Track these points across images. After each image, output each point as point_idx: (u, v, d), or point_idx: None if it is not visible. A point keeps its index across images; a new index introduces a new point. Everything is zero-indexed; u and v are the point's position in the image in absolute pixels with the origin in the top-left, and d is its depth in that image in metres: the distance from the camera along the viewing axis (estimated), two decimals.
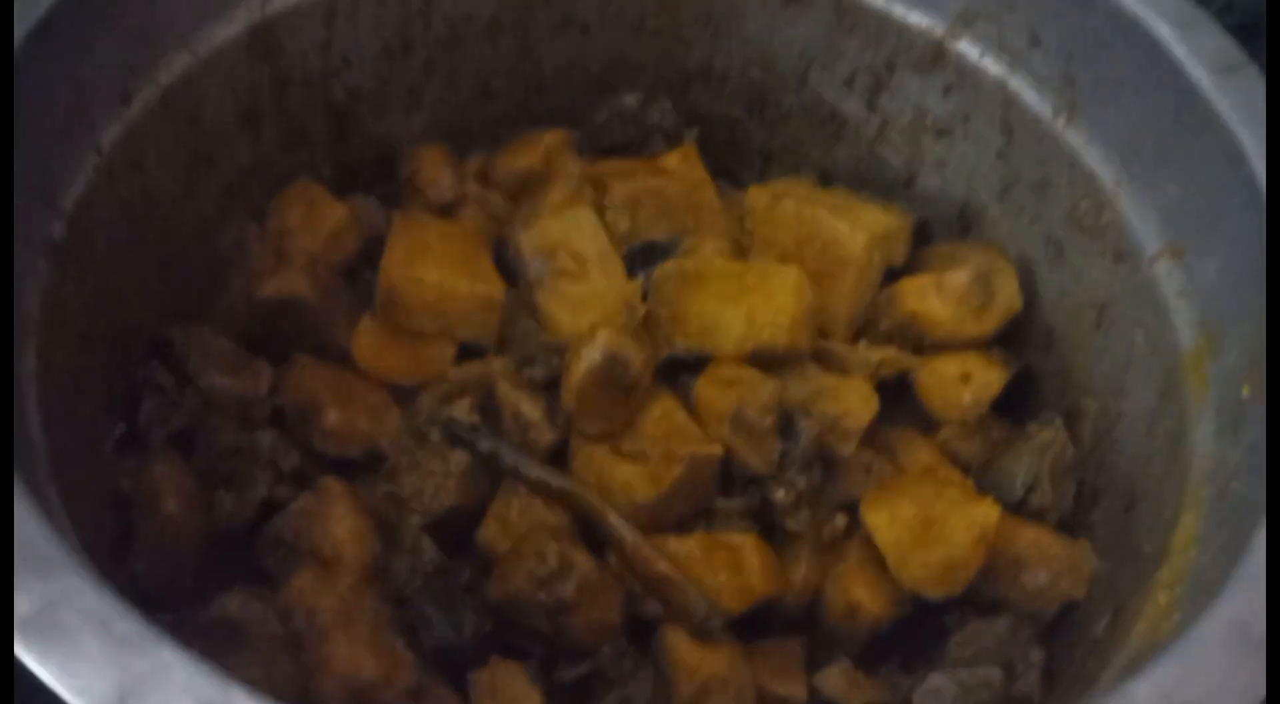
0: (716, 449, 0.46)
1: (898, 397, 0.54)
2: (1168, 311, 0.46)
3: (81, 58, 0.42)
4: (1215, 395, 0.42)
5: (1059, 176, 0.52)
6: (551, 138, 0.58)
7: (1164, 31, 0.46)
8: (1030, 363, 0.55)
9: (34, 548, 0.29)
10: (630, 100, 0.60)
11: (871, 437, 0.51)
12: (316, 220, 0.53)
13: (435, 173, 0.58)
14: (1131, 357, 0.48)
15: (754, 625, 0.47)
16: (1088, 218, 0.51)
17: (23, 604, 0.27)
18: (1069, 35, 0.50)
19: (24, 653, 0.27)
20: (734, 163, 0.63)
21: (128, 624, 0.28)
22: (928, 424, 0.54)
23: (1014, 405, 0.54)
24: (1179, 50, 0.45)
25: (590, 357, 0.45)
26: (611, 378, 0.46)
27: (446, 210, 0.57)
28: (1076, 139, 0.51)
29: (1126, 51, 0.47)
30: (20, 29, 0.38)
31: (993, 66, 0.54)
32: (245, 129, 0.53)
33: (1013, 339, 0.55)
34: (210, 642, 0.42)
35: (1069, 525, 0.49)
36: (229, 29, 0.49)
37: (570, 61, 0.61)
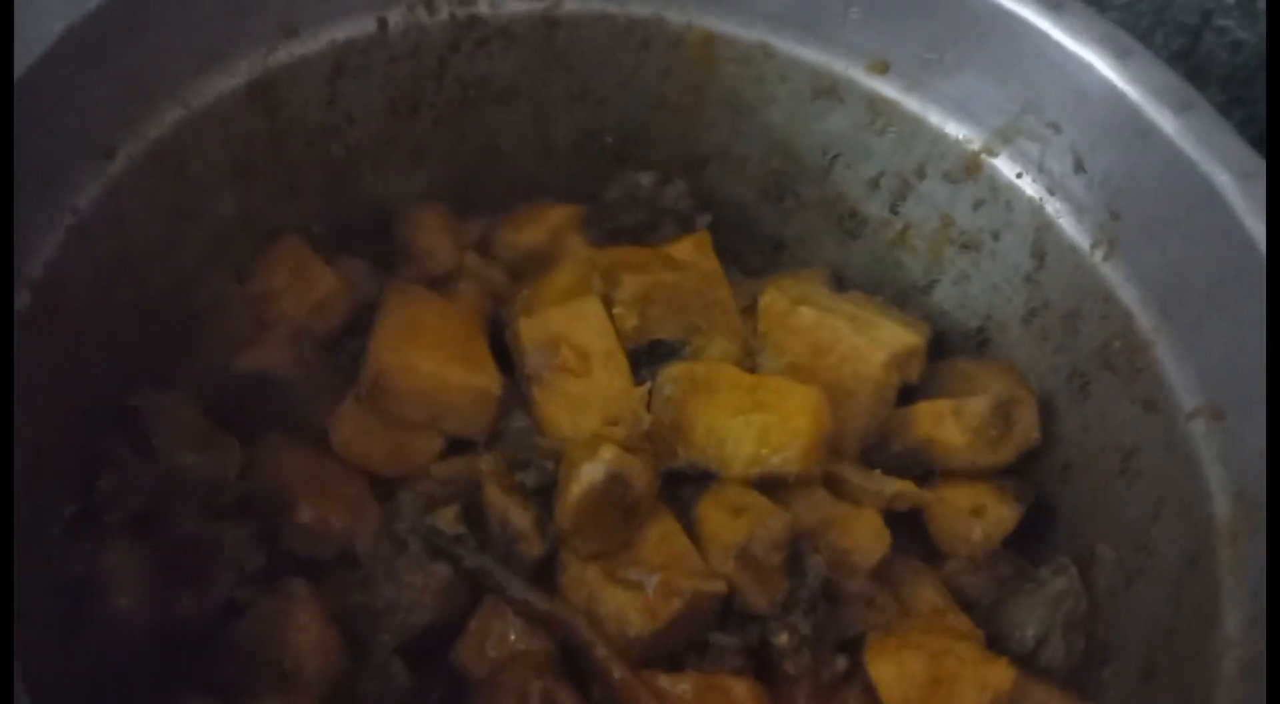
0: (720, 586, 0.43)
1: (903, 523, 0.51)
2: (1202, 475, 0.44)
3: (62, 112, 0.38)
4: (1252, 579, 0.40)
5: (1091, 311, 0.50)
6: (559, 214, 0.55)
7: (1222, 178, 0.44)
8: (1045, 496, 0.52)
9: None
10: (644, 180, 0.57)
11: (879, 571, 0.48)
12: (304, 287, 0.50)
13: (433, 240, 0.54)
14: (1159, 513, 0.46)
15: None
16: (1119, 359, 0.49)
17: None
18: (1117, 167, 0.48)
19: None
20: (744, 248, 0.60)
21: None
22: (933, 554, 0.51)
23: (1026, 539, 0.52)
24: (1238, 201, 0.43)
25: (591, 475, 0.42)
26: (611, 498, 0.42)
27: (441, 282, 0.53)
28: (1114, 275, 0.49)
29: (1179, 193, 0.45)
30: None
31: (1030, 187, 0.51)
32: (235, 182, 0.49)
33: (1028, 470, 0.52)
34: None
35: (1076, 680, 0.47)
36: (227, 81, 0.46)
37: (584, 133, 0.58)
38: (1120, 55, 0.47)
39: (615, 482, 0.42)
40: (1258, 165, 0.44)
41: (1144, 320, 0.47)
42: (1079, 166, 0.49)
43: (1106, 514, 0.49)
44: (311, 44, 0.48)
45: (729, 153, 0.59)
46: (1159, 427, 0.46)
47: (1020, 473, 0.52)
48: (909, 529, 0.51)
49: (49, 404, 0.40)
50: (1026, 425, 0.51)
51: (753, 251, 0.61)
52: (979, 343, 0.57)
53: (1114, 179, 0.48)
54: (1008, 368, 0.54)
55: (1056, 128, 0.49)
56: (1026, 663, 0.47)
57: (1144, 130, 0.46)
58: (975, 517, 0.50)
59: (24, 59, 0.35)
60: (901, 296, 0.58)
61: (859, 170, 0.57)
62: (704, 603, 0.43)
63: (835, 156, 0.57)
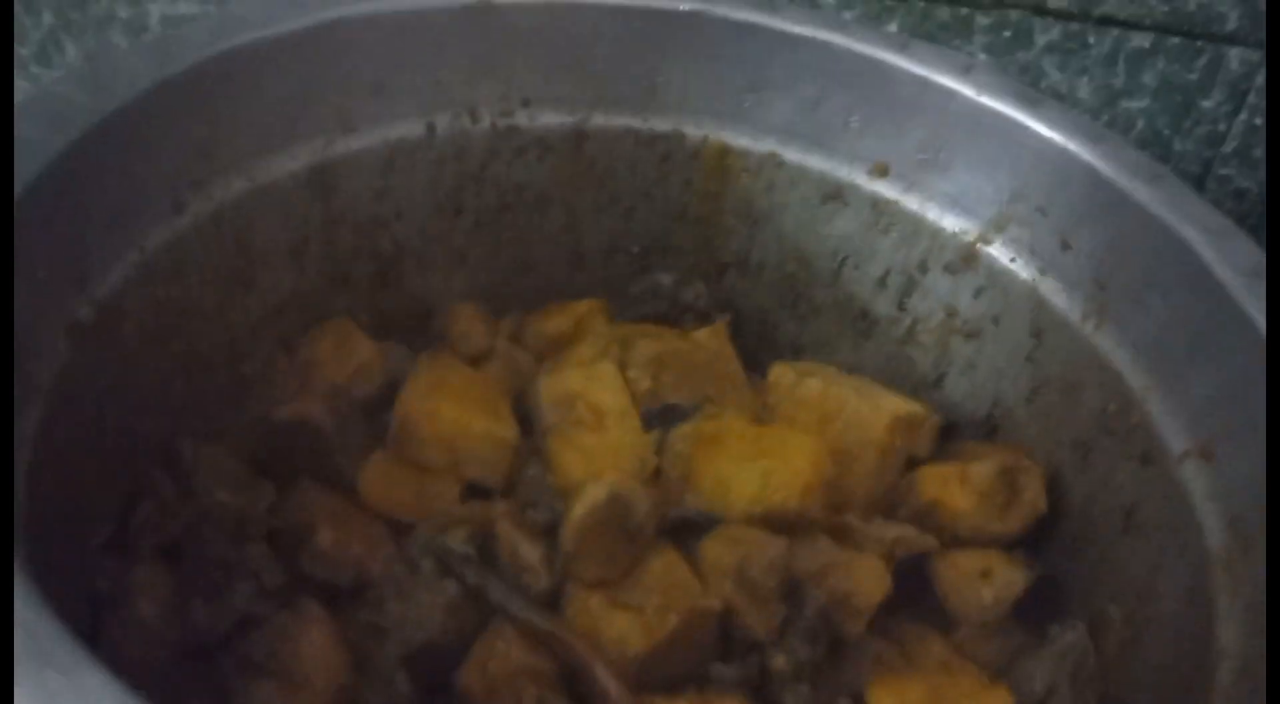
0: (715, 604, 0.44)
1: (915, 592, 0.52)
2: (1196, 512, 0.44)
3: (140, 158, 0.44)
4: (1244, 595, 0.40)
5: (1088, 379, 0.52)
6: (585, 305, 0.60)
7: (1192, 236, 0.47)
8: (1056, 570, 0.53)
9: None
10: (665, 279, 0.61)
11: (885, 629, 0.49)
12: (345, 354, 0.54)
13: (468, 327, 0.59)
14: (1160, 561, 0.46)
15: None
16: (1116, 420, 0.50)
17: None
18: (1100, 240, 0.51)
19: None
20: (764, 355, 0.64)
21: None
22: (945, 625, 0.51)
23: (1037, 614, 0.51)
24: (1208, 254, 0.46)
25: (594, 495, 0.44)
26: (614, 520, 0.44)
27: (473, 363, 0.57)
28: (1106, 342, 0.51)
29: (1156, 256, 0.48)
30: (86, 119, 0.40)
31: (1023, 270, 0.55)
32: (291, 261, 0.54)
33: (1038, 545, 0.53)
34: None
35: None
36: (289, 163, 0.52)
37: (612, 241, 0.63)
38: (1094, 140, 0.51)
39: (617, 502, 0.44)
40: (1223, 223, 0.47)
41: (1135, 379, 0.49)
42: (1065, 245, 0.53)
43: (1114, 575, 0.49)
44: (367, 140, 0.54)
45: (746, 260, 0.64)
46: (1156, 477, 0.47)
47: (1031, 549, 0.53)
48: (920, 598, 0.52)
49: (95, 424, 0.44)
50: (1033, 494, 0.52)
51: (772, 357, 0.64)
52: (989, 430, 0.58)
53: (1098, 252, 0.51)
54: (1014, 447, 0.55)
55: (1043, 211, 0.53)
56: None
57: (1120, 203, 0.50)
58: (984, 578, 0.50)
59: (111, 103, 0.41)
60: (914, 392, 0.60)
61: (867, 270, 0.61)
62: (701, 621, 0.43)
63: (844, 259, 0.61)
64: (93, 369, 0.43)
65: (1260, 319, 0.43)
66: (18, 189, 0.37)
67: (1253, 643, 0.38)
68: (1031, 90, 0.53)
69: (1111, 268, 0.51)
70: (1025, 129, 0.52)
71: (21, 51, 0.76)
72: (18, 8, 0.71)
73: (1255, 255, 0.45)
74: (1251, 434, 0.43)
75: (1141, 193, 0.49)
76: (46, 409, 0.40)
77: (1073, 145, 0.51)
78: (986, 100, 0.53)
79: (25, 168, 0.38)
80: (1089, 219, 0.51)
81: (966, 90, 0.53)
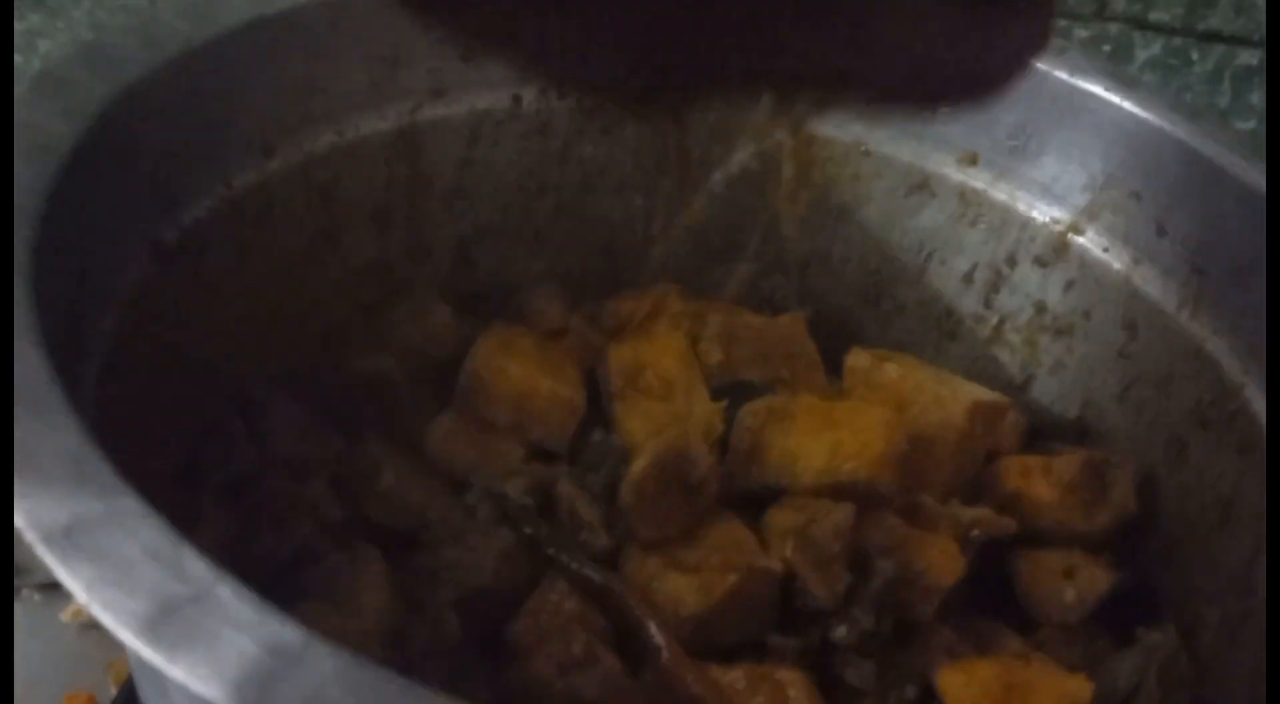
0: (776, 565, 0.42)
1: (995, 595, 0.49)
2: None
3: (233, 93, 0.45)
4: None
5: (1182, 371, 0.49)
6: (663, 289, 0.59)
7: None
8: (1147, 577, 0.50)
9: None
10: (745, 268, 0.61)
11: (961, 625, 0.46)
12: (421, 317, 0.54)
13: (544, 305, 0.58)
14: (1258, 549, 0.43)
15: None
16: (1212, 411, 0.48)
17: None
18: (1197, 222, 0.49)
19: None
20: (845, 355, 0.62)
21: None
22: (1026, 628, 0.49)
23: (1126, 623, 0.48)
24: None
25: (655, 449, 0.43)
26: (674, 475, 0.43)
27: (548, 338, 0.57)
28: (1201, 330, 0.49)
29: (1254, 233, 0.46)
30: (182, 45, 0.42)
31: (1116, 260, 0.53)
32: (374, 225, 0.55)
33: (1128, 551, 0.50)
34: None
35: None
36: (378, 122, 0.53)
37: (694, 231, 0.63)
38: (1191, 118, 0.49)
39: (678, 456, 0.43)
40: None
41: (1232, 366, 0.47)
42: (1161, 230, 0.51)
43: (1209, 574, 0.46)
44: (455, 107, 0.55)
45: (829, 255, 0.62)
46: (1254, 466, 0.45)
47: (1121, 553, 0.50)
48: (1000, 600, 0.49)
49: (172, 352, 0.45)
50: (1122, 492, 0.50)
51: None
52: (1079, 434, 0.56)
53: (1195, 235, 0.49)
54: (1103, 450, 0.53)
55: (1137, 196, 0.51)
56: None
57: (1219, 182, 0.48)
58: (1067, 577, 0.48)
59: (209, 31, 0.43)
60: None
61: (953, 266, 0.59)
62: (759, 582, 0.42)
63: (930, 253, 0.60)
64: (173, 293, 0.44)
65: None
66: (111, 99, 0.38)
67: None
68: (1126, 72, 0.52)
69: (1208, 251, 0.49)
70: (1119, 110, 0.51)
71: None
72: None
73: None
74: None
75: (1240, 168, 0.47)
76: (122, 320, 0.40)
77: (1168, 125, 0.49)
78: (1080, 82, 0.52)
79: (119, 80, 0.39)
80: (1186, 201, 0.49)
81: (1059, 72, 0.52)
